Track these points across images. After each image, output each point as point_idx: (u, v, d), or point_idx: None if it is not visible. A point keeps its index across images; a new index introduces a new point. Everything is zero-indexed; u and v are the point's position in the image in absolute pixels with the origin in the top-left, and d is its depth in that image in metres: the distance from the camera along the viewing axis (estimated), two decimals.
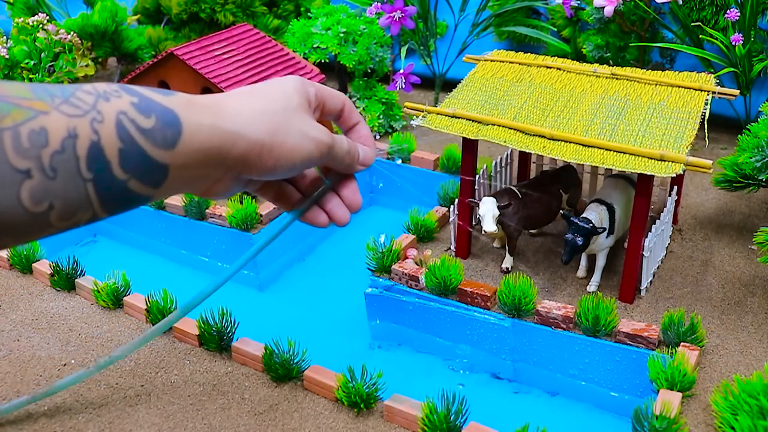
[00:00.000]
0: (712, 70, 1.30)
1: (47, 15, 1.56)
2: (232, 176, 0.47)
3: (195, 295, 0.58)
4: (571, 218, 0.88)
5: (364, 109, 1.48)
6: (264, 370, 0.86)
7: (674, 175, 0.79)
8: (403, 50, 1.52)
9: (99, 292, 0.99)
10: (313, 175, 0.57)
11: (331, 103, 0.54)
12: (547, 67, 1.00)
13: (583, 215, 0.90)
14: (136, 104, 0.40)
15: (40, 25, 1.49)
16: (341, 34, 1.43)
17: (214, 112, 0.44)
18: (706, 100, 0.89)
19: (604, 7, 1.28)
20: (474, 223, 1.07)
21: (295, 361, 0.84)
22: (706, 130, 0.86)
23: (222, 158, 0.44)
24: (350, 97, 1.51)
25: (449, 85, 1.16)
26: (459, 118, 0.94)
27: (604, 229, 0.89)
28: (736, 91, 0.93)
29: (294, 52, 1.38)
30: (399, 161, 0.60)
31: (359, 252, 1.02)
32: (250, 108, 0.46)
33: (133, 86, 0.42)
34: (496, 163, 1.11)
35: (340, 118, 0.56)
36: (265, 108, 0.46)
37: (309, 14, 1.52)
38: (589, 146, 0.85)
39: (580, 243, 0.88)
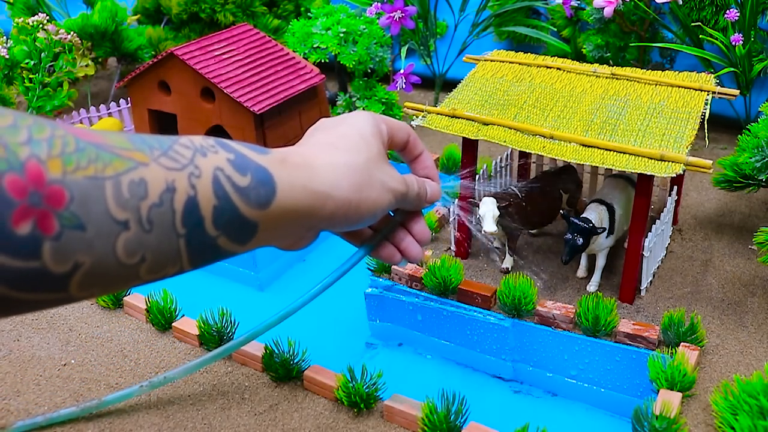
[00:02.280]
0: (712, 70, 1.30)
1: (47, 15, 1.56)
2: (315, 232, 0.48)
3: (263, 323, 0.59)
4: (571, 218, 0.88)
5: (364, 109, 1.48)
6: (264, 370, 0.86)
7: (674, 175, 0.79)
8: (403, 50, 1.52)
9: None
10: None
11: (397, 137, 0.55)
12: (547, 67, 1.00)
13: (583, 215, 0.90)
14: (233, 161, 0.40)
15: (40, 25, 1.49)
16: (341, 34, 1.43)
17: (305, 172, 0.44)
18: (706, 100, 0.89)
19: (604, 8, 1.28)
20: (474, 223, 1.07)
21: (295, 361, 0.84)
22: (706, 130, 0.86)
23: (311, 218, 0.45)
24: (350, 97, 1.51)
25: (449, 85, 1.16)
26: (459, 118, 0.94)
27: (604, 229, 0.89)
28: (736, 91, 0.93)
29: (294, 52, 1.38)
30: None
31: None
32: (337, 164, 0.46)
33: (228, 141, 0.42)
34: (496, 163, 1.11)
35: (405, 150, 0.57)
36: (349, 163, 0.47)
37: (309, 14, 1.52)
38: (589, 146, 0.85)
39: (580, 243, 0.88)
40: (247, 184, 0.40)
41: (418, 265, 0.98)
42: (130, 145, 0.37)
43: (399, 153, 0.57)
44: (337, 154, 0.47)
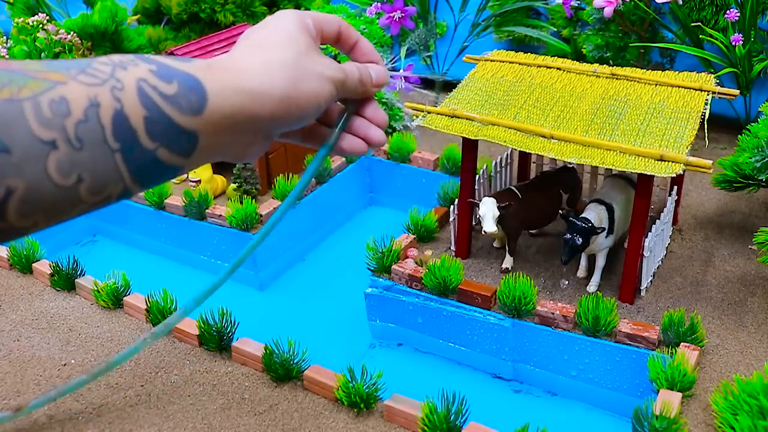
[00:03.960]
0: (712, 70, 1.30)
1: (47, 15, 1.56)
2: (264, 136, 0.47)
3: (201, 291, 0.55)
4: (570, 218, 0.88)
5: None
6: (264, 370, 0.86)
7: (674, 175, 0.79)
8: (403, 50, 1.52)
9: (99, 292, 0.99)
10: (334, 106, 0.57)
11: (327, 29, 0.54)
12: (547, 67, 1.00)
13: (583, 215, 0.90)
14: (155, 71, 0.39)
15: (40, 25, 1.49)
16: None
17: (236, 74, 0.43)
18: (706, 100, 0.89)
19: (604, 8, 1.28)
20: (474, 223, 1.07)
21: (295, 361, 0.84)
22: (706, 130, 0.86)
23: (251, 120, 0.43)
24: None
25: (449, 85, 1.16)
26: (459, 118, 0.94)
27: (603, 228, 0.89)
28: (736, 91, 0.93)
29: None
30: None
31: (359, 252, 1.02)
32: (267, 62, 0.45)
33: (148, 55, 0.41)
34: (496, 163, 1.11)
35: (339, 41, 0.56)
36: (280, 58, 0.45)
37: None
38: (589, 146, 0.85)
39: (580, 243, 0.88)
40: (174, 92, 0.39)
41: (418, 264, 0.98)
42: (44, 67, 0.36)
43: (334, 45, 0.56)
44: (265, 53, 0.46)
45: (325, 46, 0.63)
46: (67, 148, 0.35)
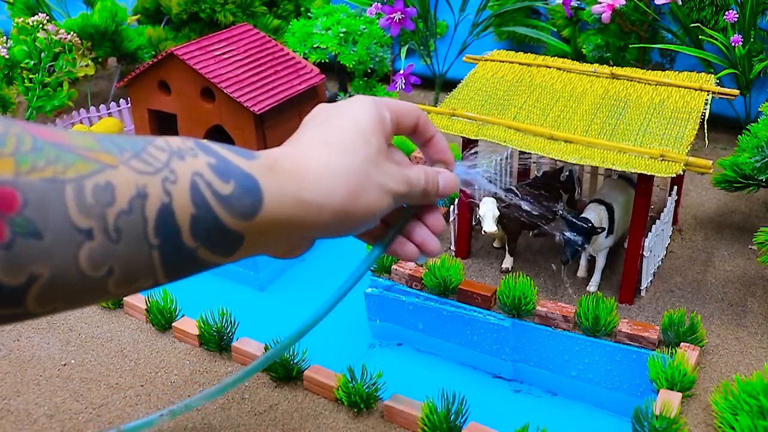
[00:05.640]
0: (712, 71, 1.30)
1: (47, 15, 1.56)
2: (310, 241, 0.45)
3: (295, 331, 0.54)
4: (570, 218, 0.88)
5: None
6: (264, 370, 0.86)
7: (674, 175, 0.79)
8: (403, 50, 1.52)
9: None
10: None
11: (404, 122, 0.50)
12: (547, 67, 1.00)
13: (582, 215, 0.90)
14: (214, 166, 0.37)
15: (40, 25, 1.49)
16: (341, 34, 1.43)
17: (296, 180, 0.40)
18: (706, 100, 0.89)
19: (602, 14, 1.29)
20: (474, 223, 1.07)
21: (295, 361, 0.84)
22: (706, 130, 0.86)
23: (303, 228, 0.41)
24: (350, 97, 1.51)
25: (449, 85, 1.16)
26: (459, 118, 0.94)
27: (604, 229, 0.89)
28: (736, 92, 0.93)
29: (294, 52, 1.38)
30: None
31: (359, 252, 1.02)
32: (331, 168, 0.42)
33: (210, 143, 0.38)
34: (496, 163, 1.11)
35: (415, 134, 0.52)
36: (345, 166, 0.42)
37: (309, 14, 1.52)
38: (589, 146, 0.85)
39: (580, 243, 0.88)
40: (230, 192, 0.37)
41: (418, 264, 0.98)
42: (97, 145, 0.34)
43: (409, 137, 0.53)
44: (331, 156, 0.42)
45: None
46: (104, 238, 0.32)
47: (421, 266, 0.97)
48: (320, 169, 0.41)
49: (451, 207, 1.03)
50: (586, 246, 0.89)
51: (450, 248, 1.05)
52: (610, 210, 0.93)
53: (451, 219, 1.03)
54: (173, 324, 0.93)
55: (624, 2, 1.26)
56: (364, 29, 1.46)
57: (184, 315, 0.94)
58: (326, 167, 0.42)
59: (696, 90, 0.91)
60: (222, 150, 0.38)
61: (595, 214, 0.90)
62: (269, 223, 0.39)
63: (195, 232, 0.36)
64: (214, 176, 0.36)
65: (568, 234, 0.88)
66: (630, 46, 1.41)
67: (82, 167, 0.32)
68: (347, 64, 1.44)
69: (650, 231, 0.92)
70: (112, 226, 0.32)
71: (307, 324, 0.52)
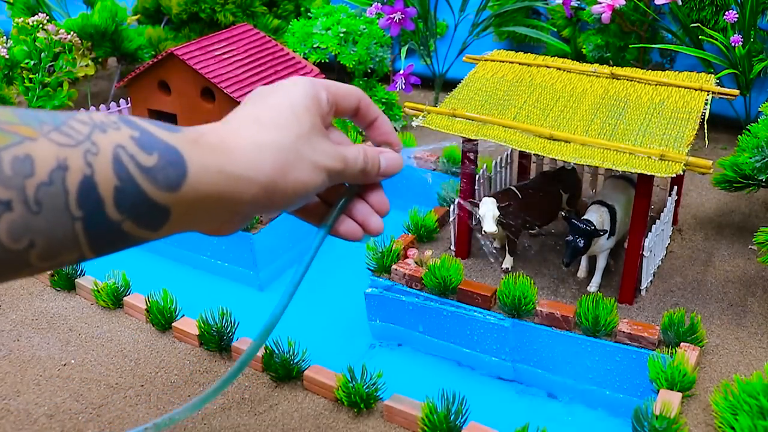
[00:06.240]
0: (712, 71, 1.30)
1: (47, 15, 1.56)
2: (242, 217, 0.44)
3: (263, 328, 0.54)
4: (573, 220, 0.88)
5: None
6: (264, 370, 0.86)
7: (674, 175, 0.79)
8: (403, 50, 1.52)
9: (99, 292, 0.99)
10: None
11: (345, 103, 0.50)
12: (547, 67, 1.00)
13: (584, 217, 0.90)
14: (137, 138, 0.37)
15: (40, 25, 1.49)
16: (341, 34, 1.43)
17: (222, 154, 0.40)
18: (706, 100, 0.89)
19: (602, 14, 1.29)
20: (474, 223, 1.07)
21: (295, 361, 0.84)
22: (706, 130, 0.86)
23: (231, 203, 0.41)
24: None
25: (449, 85, 1.16)
26: (459, 118, 0.94)
27: (606, 231, 0.89)
28: (736, 92, 0.93)
29: (294, 52, 1.38)
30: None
31: (359, 252, 1.02)
32: (259, 144, 0.42)
33: (134, 118, 0.39)
34: (496, 163, 1.11)
35: (356, 116, 0.52)
36: (274, 142, 0.42)
37: (309, 14, 1.52)
38: (589, 146, 0.85)
39: (582, 245, 0.88)
40: (153, 164, 0.36)
41: (418, 264, 0.98)
42: (16, 119, 0.33)
43: (352, 120, 0.52)
44: (261, 132, 0.42)
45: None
46: (24, 210, 0.32)
47: (421, 266, 0.97)
48: (248, 144, 0.42)
49: (451, 207, 1.03)
50: (586, 248, 0.89)
51: (450, 248, 1.05)
52: (612, 212, 0.93)
53: (451, 219, 1.03)
54: (173, 324, 0.93)
55: (624, 2, 1.26)
56: (364, 29, 1.46)
57: (184, 315, 0.94)
58: (255, 142, 0.42)
59: (696, 90, 0.91)
60: (145, 124, 0.38)
61: (597, 216, 0.90)
62: (195, 196, 0.39)
63: (119, 205, 0.36)
64: (137, 148, 0.36)
65: (569, 236, 0.88)
66: (630, 46, 1.41)
67: (0, 139, 0.32)
68: (347, 64, 1.44)
69: (650, 231, 0.92)
70: (32, 197, 0.32)
71: (271, 321, 0.53)
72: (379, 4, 1.44)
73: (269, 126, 0.43)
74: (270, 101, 0.45)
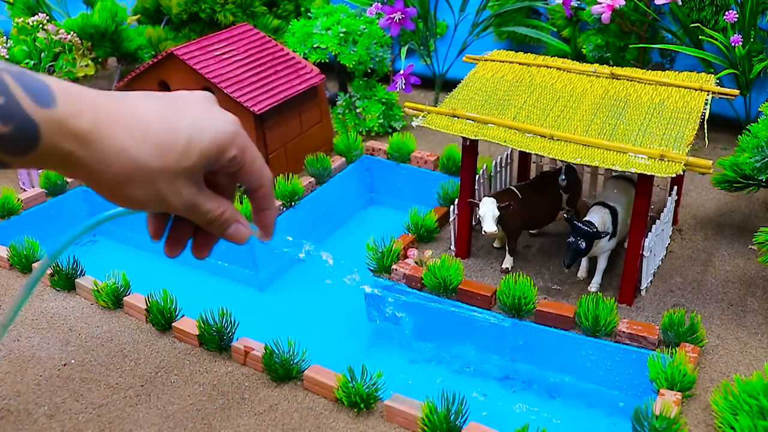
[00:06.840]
0: (712, 71, 1.30)
1: (47, 15, 1.56)
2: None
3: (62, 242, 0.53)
4: (575, 222, 0.88)
5: (363, 109, 1.48)
6: (264, 370, 0.86)
7: (674, 175, 0.79)
8: (403, 50, 1.52)
9: (99, 292, 0.99)
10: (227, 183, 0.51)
11: (247, 177, 0.48)
12: (547, 67, 1.00)
13: (586, 218, 0.90)
14: (1, 106, 0.38)
15: (40, 25, 1.49)
16: (341, 34, 1.43)
17: (81, 144, 0.40)
18: (706, 100, 0.89)
19: (602, 14, 1.29)
20: (474, 223, 1.07)
21: (295, 361, 0.84)
22: (706, 130, 0.86)
23: (70, 176, 0.43)
24: (350, 97, 1.51)
25: (449, 85, 1.16)
26: (459, 118, 0.94)
27: (607, 233, 0.89)
28: (736, 92, 0.93)
29: (294, 52, 1.38)
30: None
31: (359, 252, 1.02)
32: (124, 150, 0.41)
33: (14, 79, 0.39)
34: (496, 163, 1.11)
35: (252, 198, 0.50)
36: (138, 159, 0.42)
37: (309, 14, 1.52)
38: (589, 146, 0.85)
39: (583, 247, 0.88)
40: (5, 133, 0.38)
41: (418, 264, 0.98)
42: None
43: (248, 197, 0.51)
44: (138, 141, 0.41)
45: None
46: None
47: (421, 266, 0.97)
48: (114, 144, 0.41)
49: (451, 207, 1.03)
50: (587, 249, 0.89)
51: (450, 248, 1.05)
52: (614, 213, 0.93)
53: (451, 219, 1.03)
54: (173, 324, 0.93)
55: (624, 2, 1.26)
56: (364, 29, 1.46)
57: (184, 315, 0.94)
58: (122, 147, 0.41)
59: (696, 90, 0.91)
60: (18, 90, 0.39)
61: (598, 218, 0.90)
62: (39, 162, 0.40)
63: None
64: None
65: (571, 238, 0.88)
66: (630, 46, 1.41)
67: None
68: (347, 64, 1.44)
69: (650, 231, 0.92)
70: None
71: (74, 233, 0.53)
72: (379, 4, 1.44)
73: (151, 139, 0.42)
74: (183, 113, 0.44)
